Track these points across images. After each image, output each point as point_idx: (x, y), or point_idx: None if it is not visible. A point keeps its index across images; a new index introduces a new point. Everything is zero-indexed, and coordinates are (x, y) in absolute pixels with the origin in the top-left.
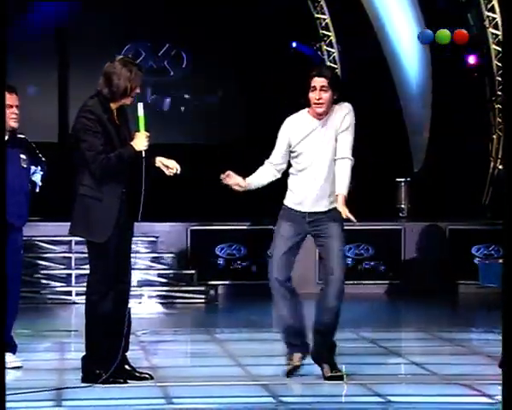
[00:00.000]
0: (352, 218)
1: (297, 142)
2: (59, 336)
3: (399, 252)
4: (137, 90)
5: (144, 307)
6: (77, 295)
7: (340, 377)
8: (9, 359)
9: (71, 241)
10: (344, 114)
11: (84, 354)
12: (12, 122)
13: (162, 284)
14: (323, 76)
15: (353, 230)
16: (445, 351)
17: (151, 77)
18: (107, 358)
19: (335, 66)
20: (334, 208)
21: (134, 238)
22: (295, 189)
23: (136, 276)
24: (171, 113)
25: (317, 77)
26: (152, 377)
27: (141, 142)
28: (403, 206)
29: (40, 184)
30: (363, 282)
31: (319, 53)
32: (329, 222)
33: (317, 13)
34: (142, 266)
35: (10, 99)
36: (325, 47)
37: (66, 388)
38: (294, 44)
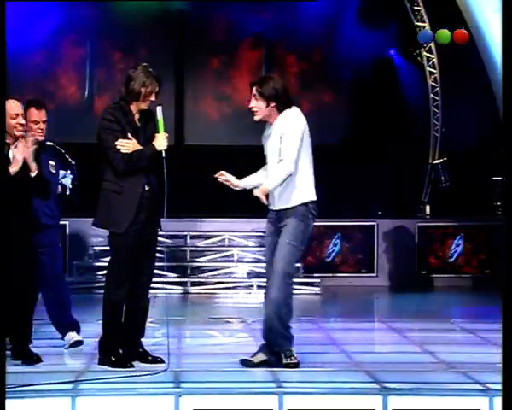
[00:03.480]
0: (263, 199)
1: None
2: (174, 323)
3: (493, 246)
4: (152, 98)
5: (253, 297)
6: (192, 285)
7: (296, 365)
8: (72, 335)
9: (186, 235)
10: (287, 117)
11: (99, 337)
12: (38, 136)
13: None
14: (258, 85)
15: (450, 225)
16: None
17: None
18: (121, 343)
19: (435, 71)
20: (297, 206)
21: (245, 234)
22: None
23: (245, 268)
24: None
25: (253, 86)
26: (163, 361)
27: (160, 142)
28: (499, 204)
29: (70, 186)
30: (458, 275)
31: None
32: (289, 219)
33: (417, 21)
34: (251, 259)
35: (38, 115)
36: (425, 53)
37: (185, 371)
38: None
